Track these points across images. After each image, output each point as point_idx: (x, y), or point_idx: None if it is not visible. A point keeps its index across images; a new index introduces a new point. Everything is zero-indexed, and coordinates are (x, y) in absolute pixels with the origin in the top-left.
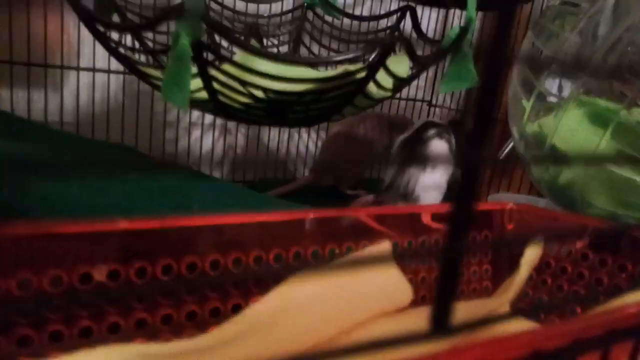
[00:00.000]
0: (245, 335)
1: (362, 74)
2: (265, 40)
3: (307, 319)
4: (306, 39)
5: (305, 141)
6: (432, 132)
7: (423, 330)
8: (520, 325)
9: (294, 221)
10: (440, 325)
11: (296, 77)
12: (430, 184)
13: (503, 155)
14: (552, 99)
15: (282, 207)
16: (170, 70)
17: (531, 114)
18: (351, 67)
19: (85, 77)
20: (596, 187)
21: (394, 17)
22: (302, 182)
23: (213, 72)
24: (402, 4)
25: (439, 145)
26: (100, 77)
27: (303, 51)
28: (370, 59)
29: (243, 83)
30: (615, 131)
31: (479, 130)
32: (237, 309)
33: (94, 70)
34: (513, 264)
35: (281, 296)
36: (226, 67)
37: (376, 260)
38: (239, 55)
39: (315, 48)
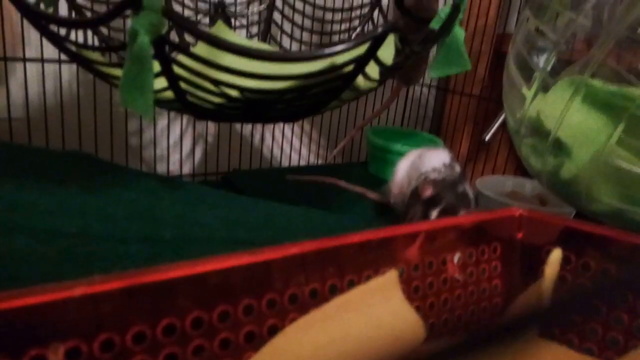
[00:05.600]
0: None
1: (350, 68)
2: (233, 21)
3: None
4: (277, 18)
5: (282, 128)
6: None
7: None
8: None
9: (290, 257)
10: None
11: (276, 75)
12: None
13: (489, 136)
14: (552, 82)
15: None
16: (128, 72)
17: (531, 105)
18: (338, 60)
19: (33, 67)
20: (603, 183)
21: None
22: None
23: (179, 71)
24: None
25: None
26: (51, 67)
27: (275, 30)
28: (360, 52)
29: (215, 82)
30: (630, 122)
31: None
32: None
33: (42, 60)
34: (525, 263)
35: (278, 351)
36: (193, 63)
37: (384, 294)
38: (203, 47)
39: (287, 26)
